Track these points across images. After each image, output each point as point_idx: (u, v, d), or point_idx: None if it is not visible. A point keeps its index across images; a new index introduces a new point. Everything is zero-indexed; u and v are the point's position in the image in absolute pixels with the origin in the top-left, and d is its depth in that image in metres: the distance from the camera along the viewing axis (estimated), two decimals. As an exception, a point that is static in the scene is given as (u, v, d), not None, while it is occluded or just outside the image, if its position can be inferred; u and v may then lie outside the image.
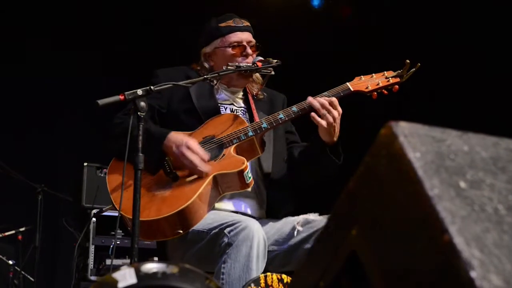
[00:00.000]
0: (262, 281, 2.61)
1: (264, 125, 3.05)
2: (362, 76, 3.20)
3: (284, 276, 2.66)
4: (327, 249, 1.34)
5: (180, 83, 2.91)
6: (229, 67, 3.14)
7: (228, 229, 2.74)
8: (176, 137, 2.97)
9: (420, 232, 1.07)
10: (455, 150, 1.17)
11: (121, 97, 2.65)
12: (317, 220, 3.00)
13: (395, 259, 1.13)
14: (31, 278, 6.18)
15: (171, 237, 2.90)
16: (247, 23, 3.37)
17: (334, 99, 3.03)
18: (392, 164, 1.15)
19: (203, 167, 2.90)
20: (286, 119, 3.08)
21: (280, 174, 3.24)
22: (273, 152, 3.24)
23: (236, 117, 3.14)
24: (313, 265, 1.39)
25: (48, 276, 6.96)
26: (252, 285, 2.57)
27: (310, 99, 3.05)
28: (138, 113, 2.65)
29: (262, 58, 3.20)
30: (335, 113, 3.00)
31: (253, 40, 3.33)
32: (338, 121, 3.02)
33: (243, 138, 3.02)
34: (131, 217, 2.73)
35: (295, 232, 2.98)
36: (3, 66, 6.87)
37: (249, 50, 3.27)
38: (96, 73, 7.08)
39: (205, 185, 2.87)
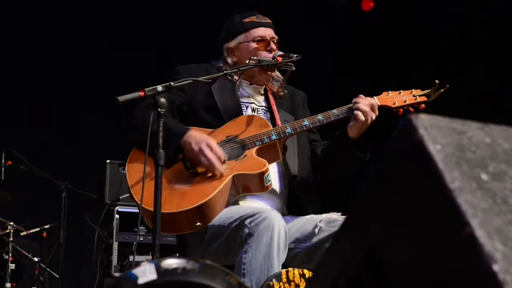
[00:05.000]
0: (284, 276, 2.60)
1: (288, 130, 3.06)
2: (389, 92, 3.20)
3: (306, 271, 2.65)
4: (347, 245, 1.32)
5: (200, 78, 2.91)
6: (251, 62, 3.14)
7: (249, 219, 2.74)
8: (198, 134, 2.98)
9: (441, 225, 1.06)
10: (476, 142, 1.15)
11: (141, 93, 2.65)
12: (340, 219, 2.99)
13: (415, 253, 1.12)
14: (56, 275, 6.24)
15: (188, 231, 2.92)
16: (269, 20, 3.38)
17: (375, 102, 3.08)
18: (412, 157, 1.14)
19: (219, 167, 2.89)
20: (311, 126, 3.10)
21: (306, 173, 3.26)
22: (298, 153, 3.24)
23: (260, 119, 3.14)
24: (333, 261, 1.37)
25: (72, 273, 7.02)
26: (274, 280, 2.57)
27: (356, 100, 3.10)
28: (158, 109, 2.65)
29: (282, 53, 3.20)
30: (373, 116, 3.07)
31: (276, 36, 3.34)
32: (371, 123, 3.08)
33: (266, 141, 3.03)
34: (148, 209, 2.79)
35: (317, 230, 2.97)
36: (31, 63, 6.95)
37: (273, 45, 3.28)
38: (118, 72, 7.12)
39: (225, 183, 2.88)
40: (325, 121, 3.09)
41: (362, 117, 3.03)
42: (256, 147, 3.01)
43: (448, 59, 6.41)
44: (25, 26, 6.97)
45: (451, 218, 1.03)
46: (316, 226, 2.99)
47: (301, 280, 2.62)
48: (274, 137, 3.03)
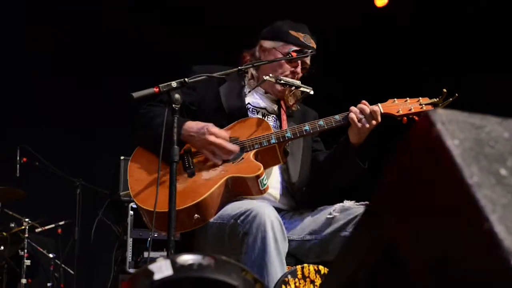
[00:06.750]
0: (299, 272, 2.60)
1: (288, 134, 3.05)
2: (395, 99, 3.13)
3: (321, 267, 2.65)
4: (365, 240, 1.32)
5: (214, 74, 2.91)
6: (269, 78, 3.14)
7: (241, 218, 2.75)
8: (195, 124, 3.00)
9: (460, 221, 1.05)
10: (495, 137, 1.14)
11: (156, 89, 2.66)
12: (353, 207, 2.98)
13: (434, 249, 1.11)
14: (71, 271, 6.28)
15: (190, 229, 2.92)
16: (314, 45, 3.33)
17: (377, 109, 3.03)
18: (430, 152, 1.13)
19: (230, 146, 2.94)
20: (311, 132, 3.08)
21: (305, 182, 3.27)
22: (301, 161, 3.24)
23: (263, 122, 3.13)
24: (350, 256, 1.37)
25: (87, 269, 7.05)
26: (289, 276, 2.57)
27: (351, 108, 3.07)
28: (173, 105, 2.66)
29: (297, 48, 3.20)
30: (373, 122, 3.02)
31: (309, 64, 3.34)
32: (372, 128, 3.04)
33: (265, 144, 3.02)
34: (146, 208, 2.85)
35: (331, 219, 2.97)
36: (44, 60, 6.98)
37: (299, 70, 3.27)
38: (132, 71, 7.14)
39: (218, 185, 2.89)
40: (326, 127, 3.07)
41: (354, 119, 3.00)
42: (254, 150, 3.01)
43: (468, 55, 6.34)
44: (35, 26, 7.00)
45: (470, 214, 1.02)
46: (330, 215, 2.99)
47: (316, 276, 2.62)
48: (273, 140, 3.02)
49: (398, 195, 1.20)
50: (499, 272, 0.97)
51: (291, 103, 3.35)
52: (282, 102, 3.36)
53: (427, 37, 6.82)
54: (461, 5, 6.52)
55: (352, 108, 3.05)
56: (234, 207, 2.88)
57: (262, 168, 2.92)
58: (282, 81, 3.17)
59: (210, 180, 2.92)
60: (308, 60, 3.33)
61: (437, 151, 1.10)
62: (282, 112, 3.31)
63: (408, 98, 3.14)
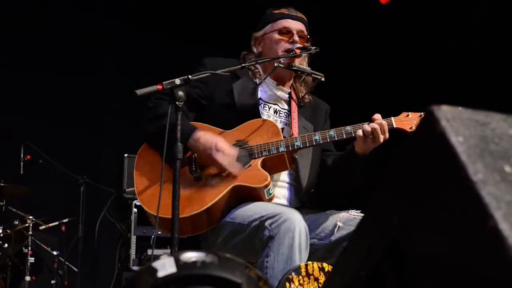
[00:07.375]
0: (303, 269, 2.59)
1: (298, 143, 3.01)
2: (409, 113, 3.07)
3: (325, 264, 2.64)
4: (368, 238, 1.31)
5: (218, 71, 2.89)
6: (281, 63, 3.11)
7: (269, 221, 2.71)
8: (205, 137, 2.96)
9: (464, 218, 1.04)
10: (499, 133, 1.14)
11: (159, 86, 2.65)
12: (358, 217, 2.97)
13: (438, 245, 1.11)
14: (75, 269, 6.29)
15: (191, 234, 2.93)
16: (301, 15, 3.32)
17: (385, 124, 2.99)
18: (434, 149, 1.12)
19: (232, 169, 2.92)
20: (321, 142, 3.04)
21: (314, 185, 3.25)
22: (311, 163, 3.22)
23: (273, 126, 3.09)
24: (354, 253, 1.36)
25: (91, 266, 7.06)
26: (293, 274, 2.56)
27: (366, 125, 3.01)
28: (176, 102, 2.65)
29: (301, 45, 3.17)
30: (381, 138, 2.97)
31: (304, 31, 3.28)
32: (379, 144, 3.00)
33: (274, 152, 3.00)
34: (151, 212, 2.85)
35: (336, 229, 2.95)
36: (49, 58, 6.99)
37: (296, 38, 3.22)
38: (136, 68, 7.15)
39: (223, 194, 2.88)
40: (337, 138, 3.02)
41: (361, 135, 2.96)
42: (262, 158, 2.99)
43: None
44: (38, 24, 7.01)
45: (475, 211, 1.02)
46: (336, 224, 2.97)
47: (320, 274, 2.61)
48: (282, 149, 3.00)
49: (401, 192, 1.20)
50: (503, 270, 0.96)
51: (302, 94, 3.33)
52: (292, 93, 3.33)
53: (428, 35, 6.79)
54: (461, 5, 6.49)
55: (365, 125, 3.00)
56: (257, 209, 2.84)
57: (269, 178, 2.91)
58: (293, 68, 3.15)
59: (217, 187, 2.91)
60: (303, 28, 3.28)
61: (441, 148, 1.10)
62: (293, 109, 3.28)
63: (422, 113, 3.05)
